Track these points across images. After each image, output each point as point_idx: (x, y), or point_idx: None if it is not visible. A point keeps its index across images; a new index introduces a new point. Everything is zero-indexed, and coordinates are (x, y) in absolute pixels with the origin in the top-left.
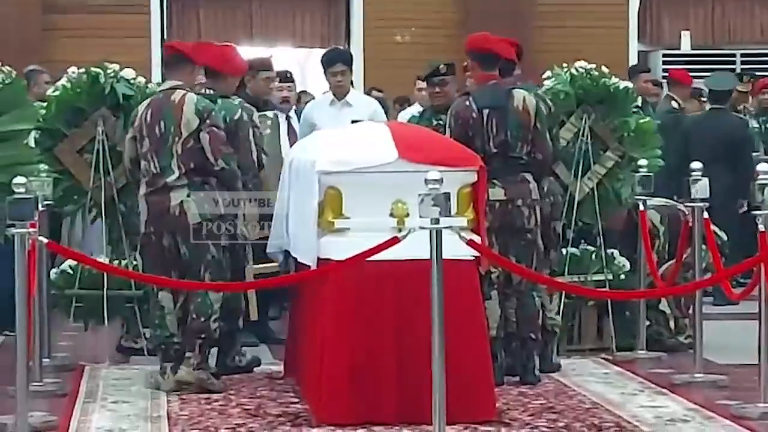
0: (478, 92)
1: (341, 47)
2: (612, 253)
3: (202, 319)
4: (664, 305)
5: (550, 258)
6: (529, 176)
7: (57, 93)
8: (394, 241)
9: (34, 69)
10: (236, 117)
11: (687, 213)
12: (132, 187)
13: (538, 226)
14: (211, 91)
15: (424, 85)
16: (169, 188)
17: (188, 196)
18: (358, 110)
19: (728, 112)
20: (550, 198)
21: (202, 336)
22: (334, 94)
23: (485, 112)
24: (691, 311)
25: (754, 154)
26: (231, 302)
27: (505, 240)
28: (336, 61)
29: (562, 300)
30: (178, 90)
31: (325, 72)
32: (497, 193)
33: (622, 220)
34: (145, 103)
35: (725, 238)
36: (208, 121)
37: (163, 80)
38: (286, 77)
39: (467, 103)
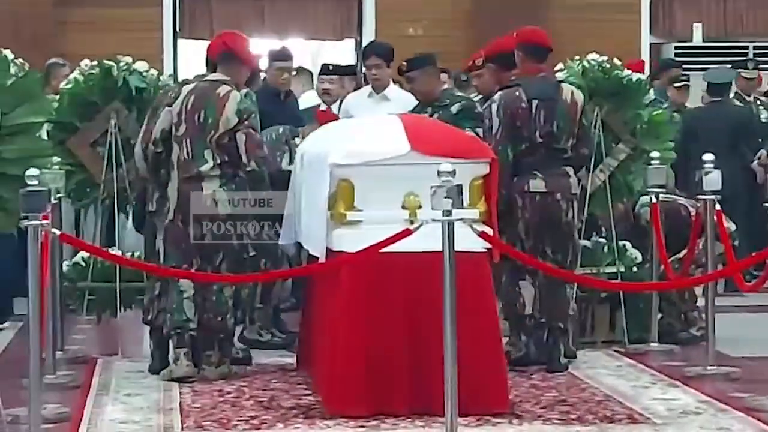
0: (528, 83)
1: (382, 41)
2: (624, 246)
3: (219, 318)
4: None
5: None
6: (570, 170)
7: (70, 86)
8: (406, 233)
9: (55, 62)
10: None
11: (698, 206)
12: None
13: (576, 219)
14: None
15: (444, 77)
16: (202, 177)
17: (220, 186)
18: (395, 105)
19: (729, 103)
20: None
21: (221, 335)
22: (372, 87)
23: (534, 103)
24: (698, 303)
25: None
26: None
27: (542, 232)
28: (370, 54)
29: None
30: (224, 85)
31: (363, 65)
32: (538, 184)
33: (622, 215)
34: (189, 87)
35: (734, 227)
36: (246, 122)
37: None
38: (328, 70)
39: (516, 93)
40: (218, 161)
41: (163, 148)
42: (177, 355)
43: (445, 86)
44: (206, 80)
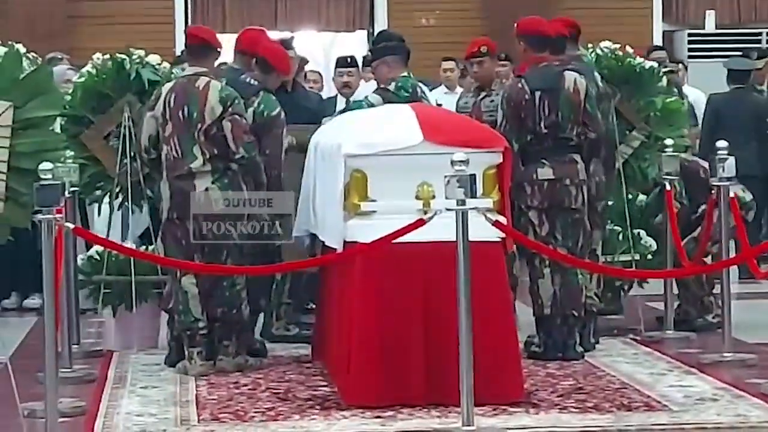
0: (530, 74)
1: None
2: (638, 233)
3: (234, 311)
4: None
5: (592, 237)
6: (577, 157)
7: (83, 79)
8: (419, 223)
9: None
10: (273, 113)
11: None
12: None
13: (585, 205)
14: (256, 82)
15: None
16: (193, 174)
17: (213, 182)
18: None
19: (752, 90)
20: (596, 178)
21: (237, 327)
22: None
23: (537, 94)
24: (715, 290)
25: None
26: (256, 283)
27: (553, 218)
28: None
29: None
30: (202, 77)
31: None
32: (546, 172)
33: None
34: (169, 86)
35: (749, 198)
36: (230, 109)
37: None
38: (346, 63)
39: (520, 85)
40: (207, 155)
41: (156, 153)
42: (191, 354)
43: (405, 74)
44: (184, 76)
